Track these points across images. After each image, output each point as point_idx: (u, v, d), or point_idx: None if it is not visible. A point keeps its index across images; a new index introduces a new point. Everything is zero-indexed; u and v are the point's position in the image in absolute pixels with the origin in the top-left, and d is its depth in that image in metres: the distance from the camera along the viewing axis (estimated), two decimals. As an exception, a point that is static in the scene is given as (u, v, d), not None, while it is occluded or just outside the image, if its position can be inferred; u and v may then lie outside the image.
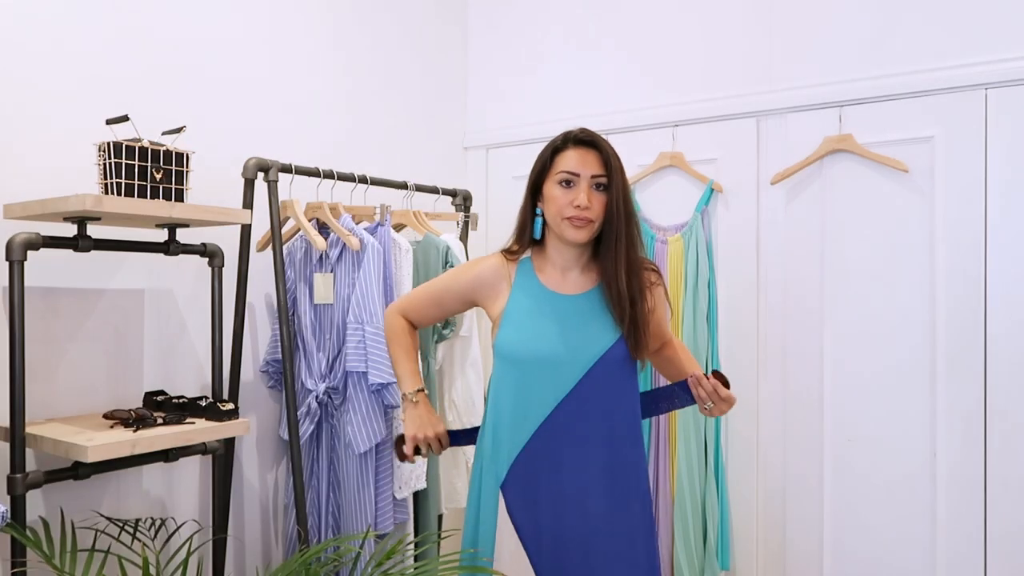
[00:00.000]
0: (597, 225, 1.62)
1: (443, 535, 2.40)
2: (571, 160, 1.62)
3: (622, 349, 1.63)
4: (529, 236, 1.71)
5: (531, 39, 2.88)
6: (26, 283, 1.64)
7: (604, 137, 1.65)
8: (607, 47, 2.70)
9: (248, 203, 2.09)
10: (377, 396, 2.07)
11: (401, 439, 1.75)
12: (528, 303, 1.67)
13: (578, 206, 1.59)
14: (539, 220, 1.68)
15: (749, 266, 2.41)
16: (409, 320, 1.81)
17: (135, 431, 1.65)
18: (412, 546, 2.23)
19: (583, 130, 1.66)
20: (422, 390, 1.76)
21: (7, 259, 1.59)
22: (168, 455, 1.79)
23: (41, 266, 1.74)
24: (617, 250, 1.61)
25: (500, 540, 1.65)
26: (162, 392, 1.92)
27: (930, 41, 2.15)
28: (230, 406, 1.80)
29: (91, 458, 1.53)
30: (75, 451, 1.54)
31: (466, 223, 2.65)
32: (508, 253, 1.74)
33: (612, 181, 1.61)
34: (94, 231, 1.75)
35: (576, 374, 1.61)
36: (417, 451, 1.74)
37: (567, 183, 1.61)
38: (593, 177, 1.61)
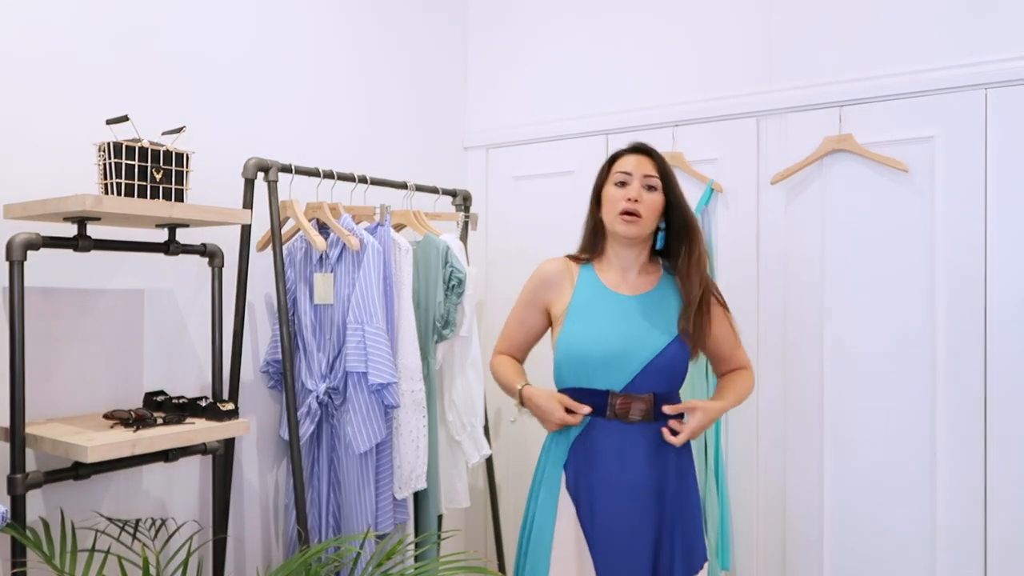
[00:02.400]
0: (646, 223, 1.79)
1: (443, 535, 2.40)
2: (627, 163, 1.82)
3: (676, 349, 1.79)
4: (599, 242, 1.88)
5: (531, 39, 2.88)
6: (26, 283, 1.64)
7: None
8: (607, 47, 2.70)
9: (248, 203, 2.09)
10: (377, 396, 2.07)
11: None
12: (590, 301, 1.83)
13: (629, 199, 1.76)
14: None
15: (749, 266, 2.41)
16: (510, 355, 1.99)
17: (135, 431, 1.65)
18: (412, 546, 2.23)
19: (640, 142, 1.87)
20: (524, 386, 1.88)
21: (7, 259, 1.59)
22: (168, 455, 1.79)
23: (41, 266, 1.74)
24: (690, 254, 1.81)
25: (558, 517, 1.81)
26: (162, 392, 1.92)
27: (930, 41, 2.15)
28: (230, 406, 1.80)
29: (91, 458, 1.53)
30: (75, 451, 1.54)
31: (466, 223, 2.65)
32: (573, 258, 1.92)
33: (666, 184, 1.80)
34: (94, 231, 1.75)
35: (633, 368, 1.76)
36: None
37: (621, 184, 1.80)
38: (645, 176, 1.79)
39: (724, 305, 1.91)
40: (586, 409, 1.78)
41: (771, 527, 2.39)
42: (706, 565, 1.82)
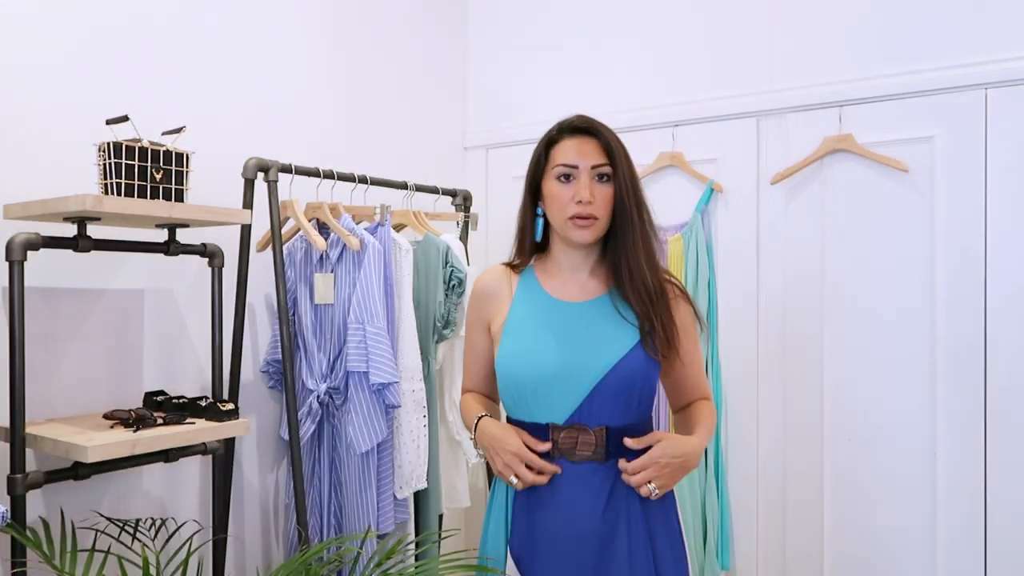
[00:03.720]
0: (603, 223, 1.45)
1: (443, 535, 2.40)
2: (568, 151, 1.46)
3: (638, 359, 1.43)
4: (531, 242, 1.55)
5: (531, 39, 2.88)
6: (26, 283, 1.64)
7: (605, 124, 1.50)
8: (607, 47, 2.70)
9: (248, 203, 2.09)
10: (378, 396, 2.07)
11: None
12: (529, 313, 1.50)
13: (580, 201, 1.42)
14: (540, 221, 1.52)
15: (749, 266, 2.41)
16: (478, 392, 1.65)
17: (135, 431, 1.65)
18: (413, 546, 2.24)
19: (579, 116, 1.51)
20: (482, 416, 1.54)
21: (7, 259, 1.59)
22: (168, 455, 1.78)
23: (41, 266, 1.74)
24: (633, 241, 1.43)
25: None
26: (162, 392, 1.92)
27: (930, 41, 2.15)
28: (230, 406, 1.80)
29: (91, 458, 1.53)
30: (75, 451, 1.54)
31: (466, 223, 2.65)
32: (510, 265, 1.59)
33: (617, 169, 1.44)
34: (94, 231, 1.75)
35: (580, 391, 1.42)
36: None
37: (566, 177, 1.45)
38: (594, 167, 1.44)
39: (690, 301, 1.54)
40: (544, 446, 1.42)
41: (771, 527, 2.39)
42: None
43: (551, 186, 1.47)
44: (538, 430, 1.45)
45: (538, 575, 1.44)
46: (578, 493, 1.42)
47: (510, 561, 1.48)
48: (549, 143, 1.51)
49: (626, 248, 1.44)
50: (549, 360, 1.43)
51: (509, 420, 1.52)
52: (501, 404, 1.58)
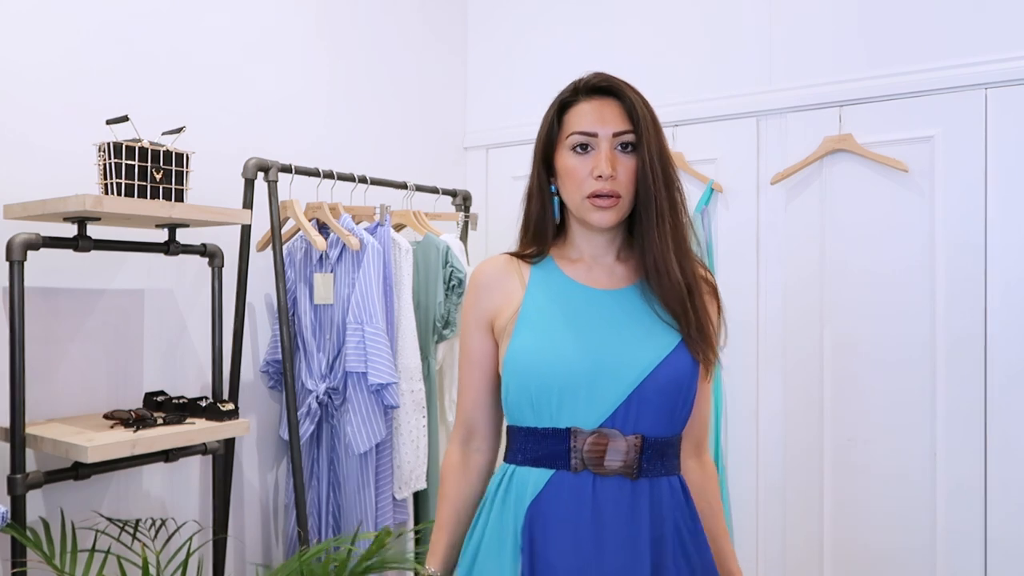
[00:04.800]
0: (627, 201, 1.22)
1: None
2: (584, 116, 1.24)
3: (682, 360, 1.20)
4: (553, 226, 1.29)
5: (531, 40, 2.88)
6: (26, 283, 1.64)
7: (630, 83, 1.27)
8: (607, 47, 2.70)
9: (248, 203, 2.09)
10: (377, 396, 2.07)
11: None
12: (549, 301, 1.25)
13: (600, 176, 1.19)
14: (557, 200, 1.28)
15: (749, 266, 2.41)
16: (471, 433, 1.32)
17: (135, 431, 1.65)
18: (413, 545, 2.24)
19: (598, 74, 1.28)
20: None
21: (7, 259, 1.59)
22: (168, 455, 1.79)
23: (41, 266, 1.74)
24: (659, 226, 1.21)
25: None
26: (162, 392, 1.92)
27: (930, 41, 2.15)
28: (230, 406, 1.80)
29: (91, 458, 1.53)
30: (75, 451, 1.54)
31: (466, 223, 2.65)
32: (520, 255, 1.32)
33: (642, 137, 1.21)
34: (94, 231, 1.75)
35: (617, 394, 1.18)
36: None
37: (583, 147, 1.23)
38: (616, 135, 1.22)
39: (719, 302, 1.32)
40: None
41: (771, 527, 2.39)
42: None
43: (565, 159, 1.24)
44: (557, 436, 1.19)
45: None
46: (611, 519, 1.17)
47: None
48: (562, 107, 1.29)
49: (652, 235, 1.22)
50: (579, 356, 1.19)
51: (512, 429, 1.25)
52: (504, 411, 1.28)
